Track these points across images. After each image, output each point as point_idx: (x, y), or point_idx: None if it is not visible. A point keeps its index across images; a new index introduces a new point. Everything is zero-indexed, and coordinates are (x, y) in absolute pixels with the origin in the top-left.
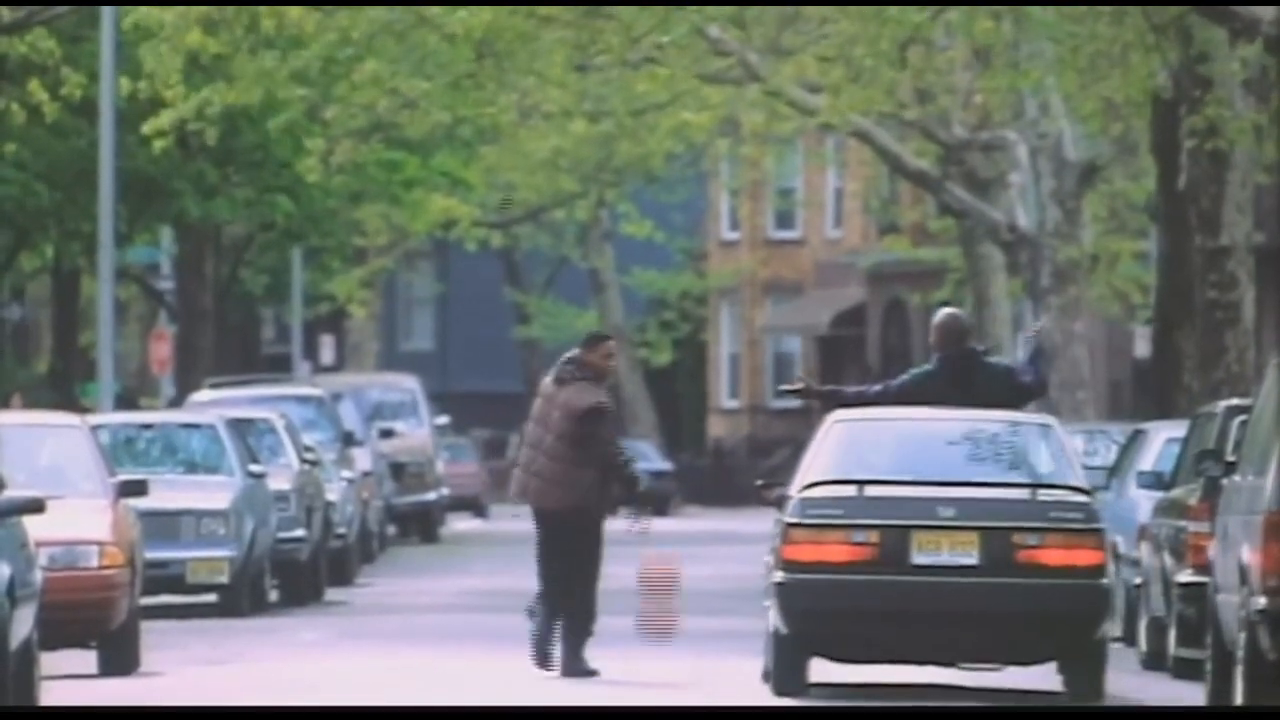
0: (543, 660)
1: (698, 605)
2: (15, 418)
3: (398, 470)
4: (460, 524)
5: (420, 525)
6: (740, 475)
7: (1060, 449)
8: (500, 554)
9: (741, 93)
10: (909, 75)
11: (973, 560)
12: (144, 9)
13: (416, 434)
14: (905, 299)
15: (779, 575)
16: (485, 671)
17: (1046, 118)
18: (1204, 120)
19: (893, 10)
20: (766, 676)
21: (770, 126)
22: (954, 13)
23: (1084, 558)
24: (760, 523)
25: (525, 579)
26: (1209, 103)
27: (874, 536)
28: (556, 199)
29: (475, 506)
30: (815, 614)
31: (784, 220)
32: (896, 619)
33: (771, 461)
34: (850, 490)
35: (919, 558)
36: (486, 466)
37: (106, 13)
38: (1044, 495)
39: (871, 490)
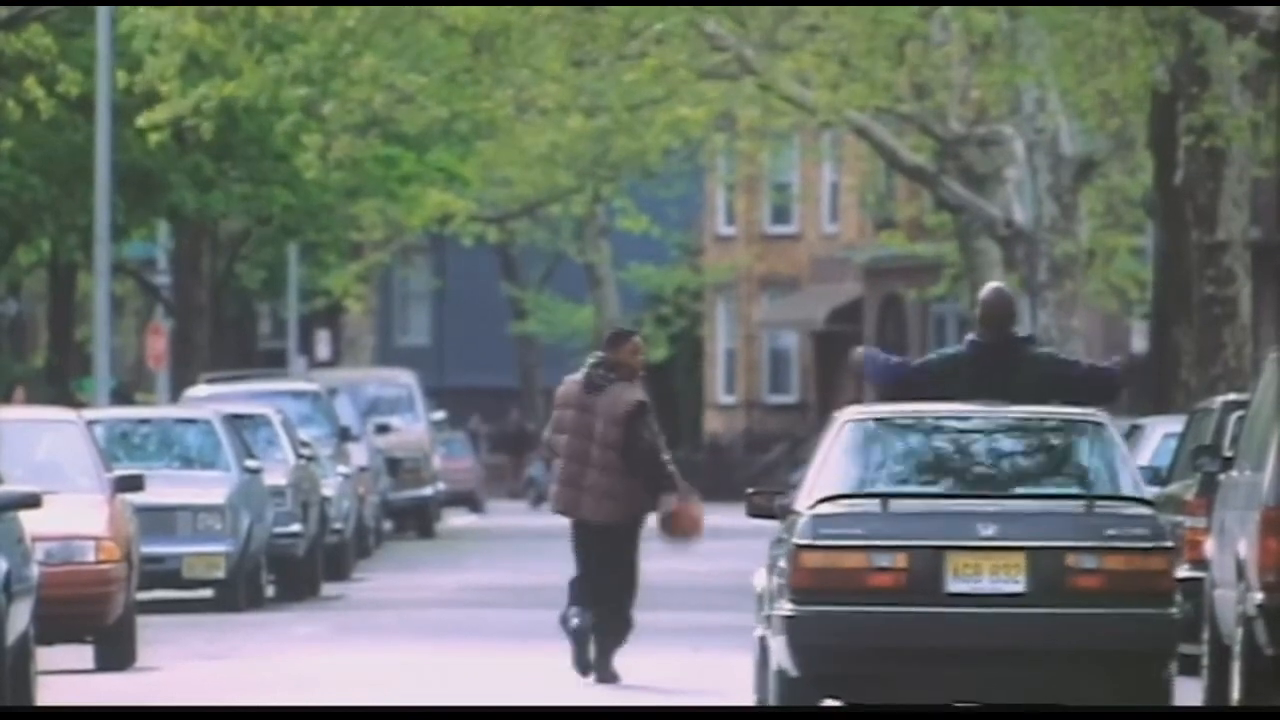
0: (586, 668)
1: (695, 601)
2: (11, 413)
3: (394, 465)
4: (456, 519)
5: (417, 520)
6: (737, 471)
7: (1116, 452)
8: (496, 549)
9: (738, 88)
10: (906, 70)
11: (1019, 587)
12: (140, 11)
13: (413, 429)
14: (902, 294)
15: (786, 606)
16: (481, 667)
17: (1043, 113)
18: (1201, 118)
19: (890, 8)
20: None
21: (766, 121)
22: (950, 10)
23: (1150, 583)
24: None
25: (521, 574)
26: (1206, 100)
27: (901, 560)
28: (553, 194)
29: (471, 502)
30: (831, 652)
31: (780, 215)
32: (928, 657)
33: (768, 457)
34: (872, 505)
35: (955, 584)
36: (483, 461)
37: (102, 12)
38: (1101, 508)
39: (897, 504)
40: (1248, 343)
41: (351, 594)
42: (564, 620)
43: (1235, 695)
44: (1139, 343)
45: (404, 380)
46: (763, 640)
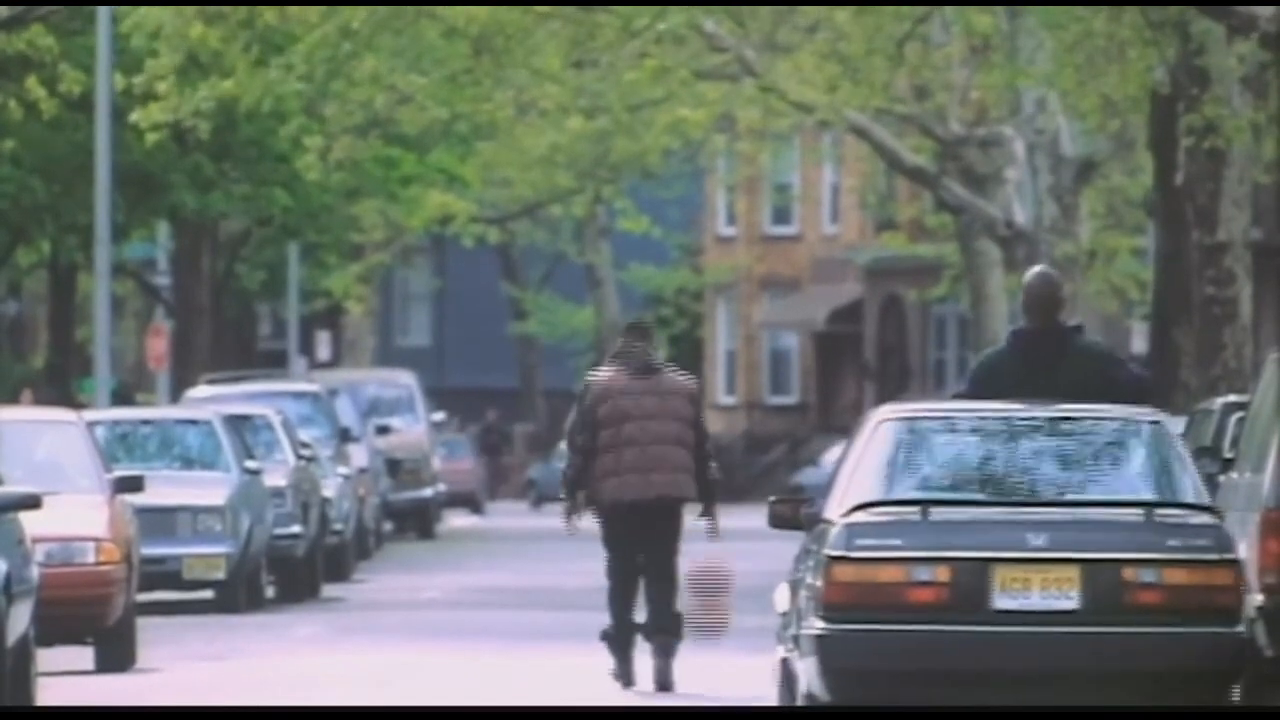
0: (630, 678)
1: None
2: (11, 413)
3: (394, 466)
4: (457, 520)
5: (417, 521)
6: (737, 472)
7: (1175, 454)
8: (497, 550)
9: (738, 89)
10: (906, 71)
11: (1072, 603)
12: (142, 11)
13: (413, 430)
14: (902, 295)
15: (817, 625)
16: (481, 668)
17: (1044, 113)
18: (1202, 119)
19: (889, 9)
20: None
21: (767, 123)
22: (950, 11)
23: (1215, 599)
24: (759, 518)
25: (522, 575)
26: (1207, 101)
27: (944, 573)
28: (553, 195)
29: (472, 503)
30: (866, 675)
31: (781, 216)
32: (973, 680)
33: (768, 458)
34: (910, 513)
35: (1002, 600)
36: (483, 462)
37: (103, 11)
38: (1162, 517)
39: (938, 512)
40: (1248, 343)
41: (352, 595)
42: (621, 629)
43: (1235, 695)
44: (1139, 343)
45: (404, 381)
46: (786, 663)
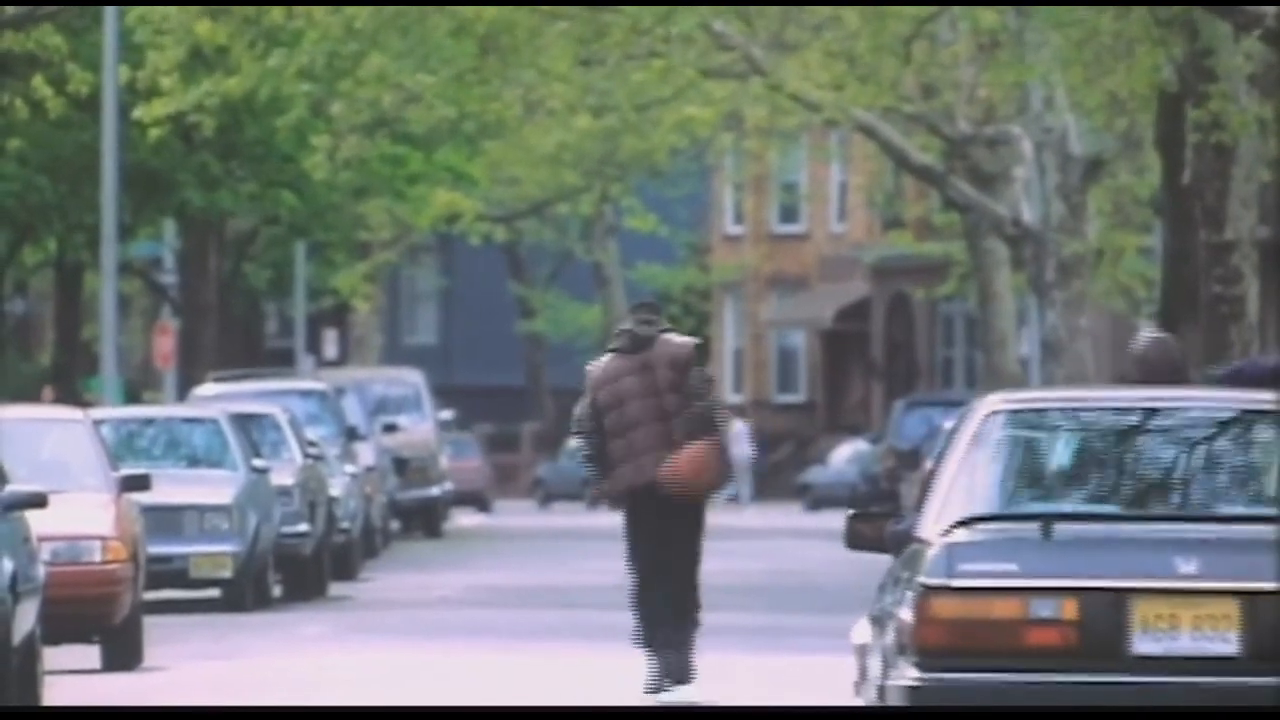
0: (659, 686)
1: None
2: (17, 411)
3: (401, 465)
4: (464, 519)
5: (424, 520)
6: (741, 471)
7: None
8: (504, 549)
9: (745, 87)
10: (913, 70)
11: (1229, 647)
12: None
13: (420, 428)
14: (909, 293)
15: (908, 674)
16: (489, 667)
17: (1051, 112)
18: (1208, 114)
19: (896, 8)
20: None
21: (774, 121)
22: (958, 9)
23: None
24: (765, 517)
25: (529, 574)
26: (1213, 96)
27: (1070, 608)
28: (560, 193)
29: (479, 501)
30: None
31: (788, 214)
32: None
33: (775, 456)
34: (1028, 530)
35: (1142, 643)
36: (490, 461)
37: (110, 11)
38: None
39: (1064, 529)
40: (1255, 342)
41: (359, 594)
42: (648, 637)
43: None
44: None
45: (411, 379)
46: None
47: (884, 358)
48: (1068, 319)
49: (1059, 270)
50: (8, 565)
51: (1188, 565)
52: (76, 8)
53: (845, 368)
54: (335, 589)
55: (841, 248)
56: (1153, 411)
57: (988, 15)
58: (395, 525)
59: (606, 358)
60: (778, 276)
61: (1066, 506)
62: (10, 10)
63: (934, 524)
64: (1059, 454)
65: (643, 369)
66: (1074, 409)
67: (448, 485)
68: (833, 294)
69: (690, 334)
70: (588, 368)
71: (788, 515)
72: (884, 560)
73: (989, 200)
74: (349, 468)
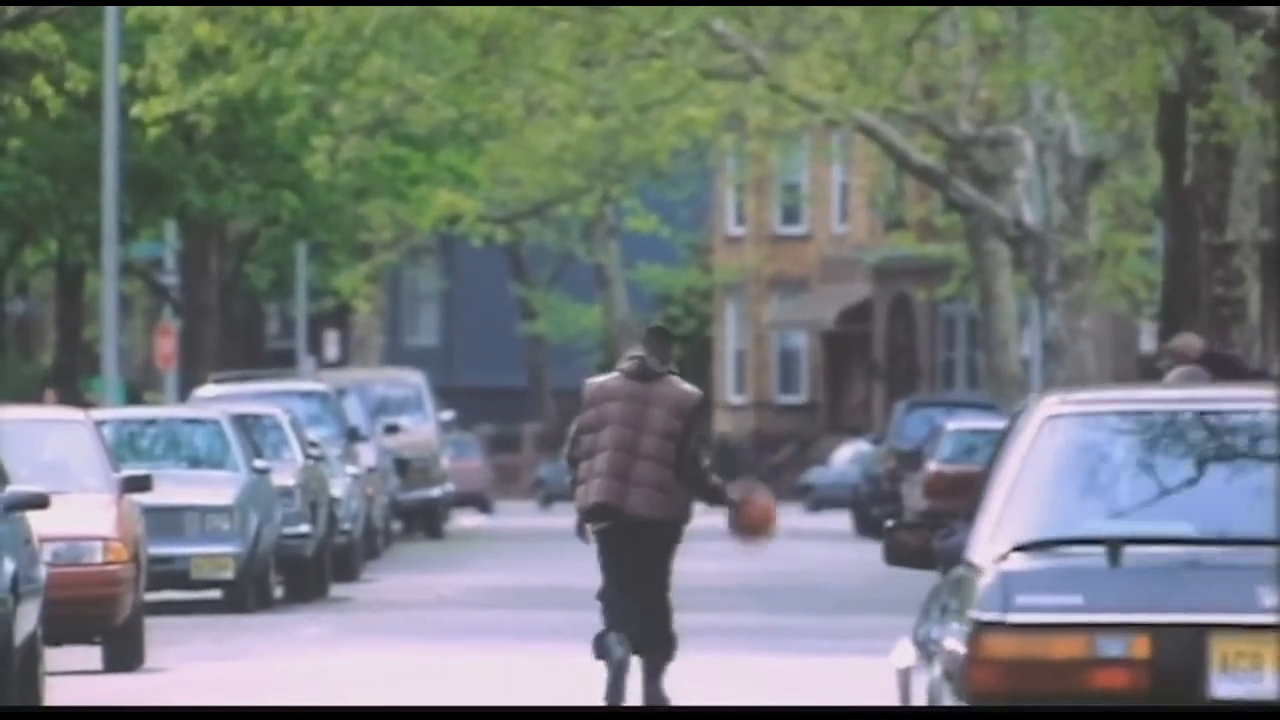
0: (620, 696)
1: (701, 602)
2: (19, 412)
3: (403, 466)
4: (465, 520)
5: (425, 521)
6: (746, 471)
7: None
8: (505, 550)
9: (746, 88)
10: (914, 71)
11: None
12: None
13: (421, 429)
14: (911, 294)
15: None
16: (490, 668)
17: (1052, 113)
18: (1209, 114)
19: (898, 9)
20: None
21: (776, 122)
22: (959, 10)
23: None
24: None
25: (530, 575)
26: (1215, 95)
27: (1141, 646)
28: (562, 194)
29: (480, 502)
30: None
31: (790, 216)
32: None
33: (777, 457)
34: (1093, 555)
35: (1222, 685)
36: (492, 462)
37: (110, 10)
38: None
39: (1134, 554)
40: (1256, 343)
41: (360, 595)
42: (602, 647)
43: None
44: (1148, 343)
45: (413, 380)
46: None
47: (885, 359)
48: (1069, 320)
49: (1060, 271)
50: (9, 566)
51: (1273, 597)
52: (76, 7)
53: (847, 369)
54: (336, 590)
55: (843, 249)
56: (1233, 416)
57: (989, 17)
58: (397, 526)
59: (608, 376)
60: (779, 278)
61: (1136, 527)
62: (12, 11)
63: (987, 545)
64: (1127, 465)
65: (639, 401)
66: (1145, 411)
67: (449, 486)
68: (834, 295)
69: (691, 336)
70: (587, 382)
71: (789, 516)
72: (880, 560)
73: (990, 201)
74: (350, 469)
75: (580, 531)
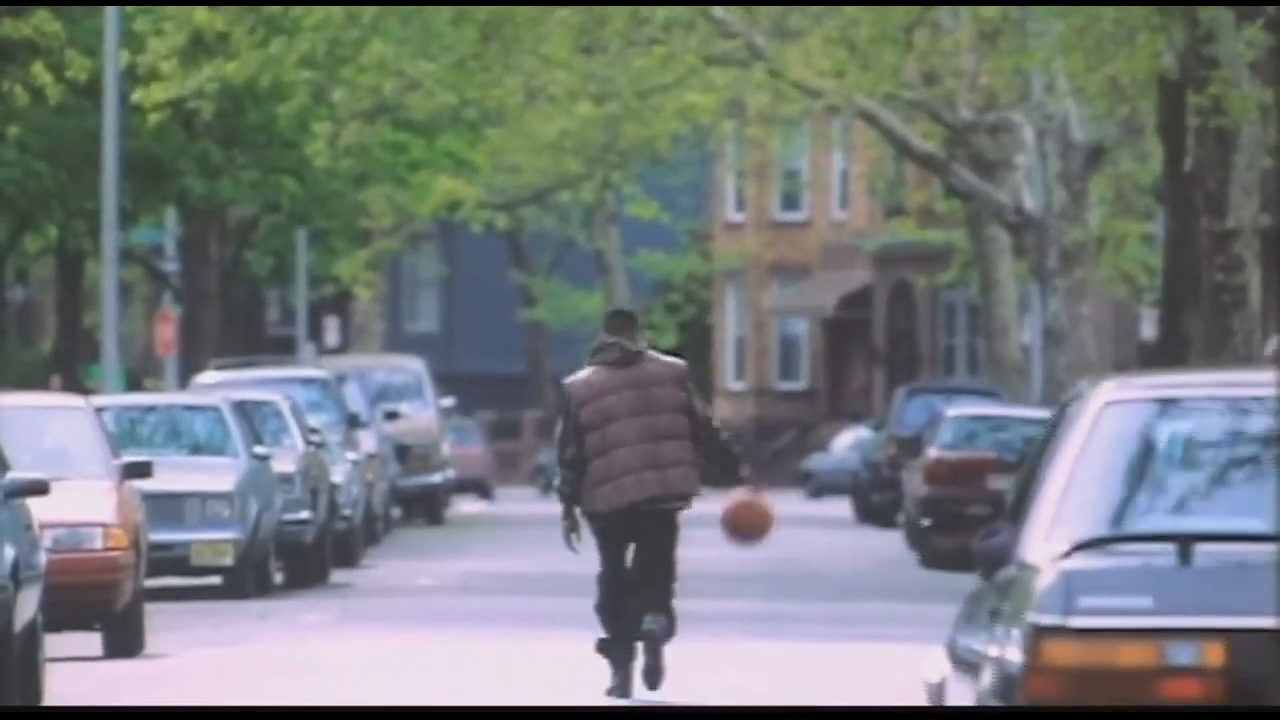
0: (628, 690)
1: (702, 588)
2: (19, 399)
3: (403, 452)
4: (466, 506)
5: (426, 507)
6: (746, 458)
7: None
8: (505, 536)
9: (747, 74)
10: (915, 57)
11: None
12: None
13: (422, 416)
14: (911, 281)
15: None
16: (490, 654)
17: (1052, 99)
18: (1209, 98)
19: None
20: None
21: (776, 108)
22: None
23: None
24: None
25: (530, 561)
26: (1215, 81)
27: (1215, 653)
28: (562, 181)
29: (481, 488)
30: None
31: (790, 202)
32: None
33: (777, 444)
34: (1162, 554)
35: None
36: (492, 448)
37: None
38: None
39: (1206, 552)
40: (1257, 330)
41: (360, 581)
42: (619, 638)
43: None
44: (1148, 330)
45: (413, 367)
46: None
47: (886, 345)
48: (1070, 306)
49: (1061, 258)
50: (9, 552)
51: None
52: None
53: (847, 355)
54: (337, 576)
55: (843, 235)
56: None
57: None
58: (397, 512)
59: (588, 371)
60: (780, 264)
61: (1206, 523)
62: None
63: (1043, 543)
64: (1197, 455)
65: (633, 386)
66: (1215, 397)
67: (449, 472)
68: (835, 281)
69: (691, 323)
70: (566, 382)
71: (789, 502)
72: (885, 549)
73: (991, 188)
74: (350, 455)
75: (567, 540)
